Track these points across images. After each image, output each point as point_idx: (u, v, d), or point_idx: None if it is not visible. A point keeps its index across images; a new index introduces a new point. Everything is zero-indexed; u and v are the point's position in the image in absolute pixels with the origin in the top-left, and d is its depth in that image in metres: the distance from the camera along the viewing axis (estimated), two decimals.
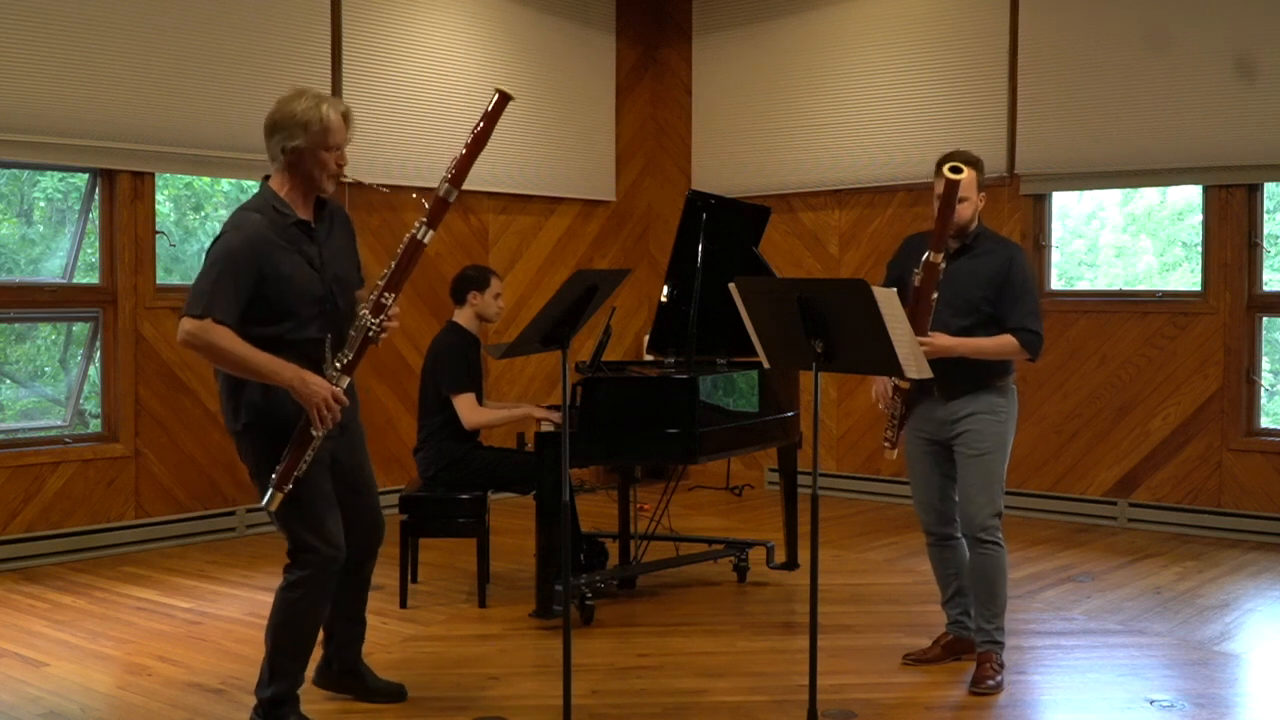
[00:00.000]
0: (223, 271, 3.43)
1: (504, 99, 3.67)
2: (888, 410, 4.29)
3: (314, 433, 3.49)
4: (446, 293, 5.71)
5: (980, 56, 7.46)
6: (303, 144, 3.51)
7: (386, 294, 3.57)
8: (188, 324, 3.40)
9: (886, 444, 4.31)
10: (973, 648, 4.43)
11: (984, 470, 4.19)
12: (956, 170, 4.00)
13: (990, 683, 4.16)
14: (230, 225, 3.53)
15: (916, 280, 4.05)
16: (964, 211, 4.15)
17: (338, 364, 3.56)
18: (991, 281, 4.15)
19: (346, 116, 3.61)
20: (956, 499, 4.34)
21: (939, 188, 4.10)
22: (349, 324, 3.62)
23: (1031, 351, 4.16)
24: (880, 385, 4.30)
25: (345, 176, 3.66)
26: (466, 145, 3.65)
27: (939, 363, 4.10)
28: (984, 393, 4.20)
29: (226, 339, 3.40)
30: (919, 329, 3.99)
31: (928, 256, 4.02)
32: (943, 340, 4.07)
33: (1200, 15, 6.72)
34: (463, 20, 7.80)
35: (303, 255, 3.56)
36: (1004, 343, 4.14)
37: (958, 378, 4.16)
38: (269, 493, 3.50)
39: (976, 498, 4.19)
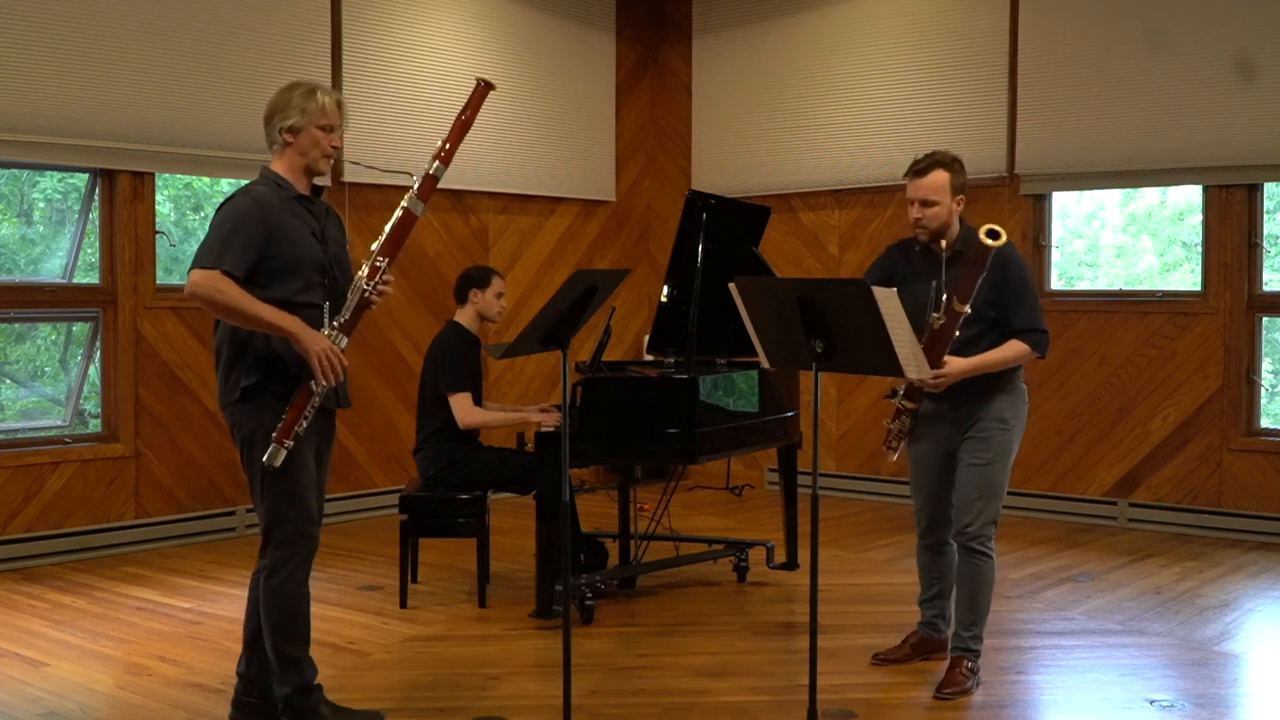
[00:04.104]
0: (233, 229, 3.54)
1: (485, 88, 3.87)
2: (897, 429, 4.23)
3: (314, 387, 3.56)
4: (446, 292, 5.72)
5: (980, 56, 7.46)
6: (299, 122, 3.66)
7: (380, 258, 3.69)
8: (196, 275, 3.50)
9: (889, 449, 4.29)
10: (942, 648, 4.44)
11: (985, 480, 4.13)
12: (993, 235, 3.84)
13: (957, 688, 4.12)
14: (237, 192, 3.68)
15: (936, 324, 3.96)
16: (937, 215, 4.07)
17: (335, 323, 3.64)
18: (991, 285, 4.05)
19: (340, 104, 3.76)
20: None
21: (907, 192, 4.09)
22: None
23: (1041, 351, 4.11)
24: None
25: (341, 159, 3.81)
26: (451, 132, 3.84)
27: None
28: (993, 397, 4.14)
29: (233, 289, 3.48)
30: (935, 363, 3.95)
31: (955, 305, 3.92)
32: (958, 365, 4.00)
33: (1200, 15, 6.72)
34: (463, 20, 7.80)
35: (305, 225, 3.68)
36: (1015, 351, 4.07)
37: (965, 388, 4.09)
38: (271, 449, 3.54)
39: (973, 506, 4.15)
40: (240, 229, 3.54)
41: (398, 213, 3.74)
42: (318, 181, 3.78)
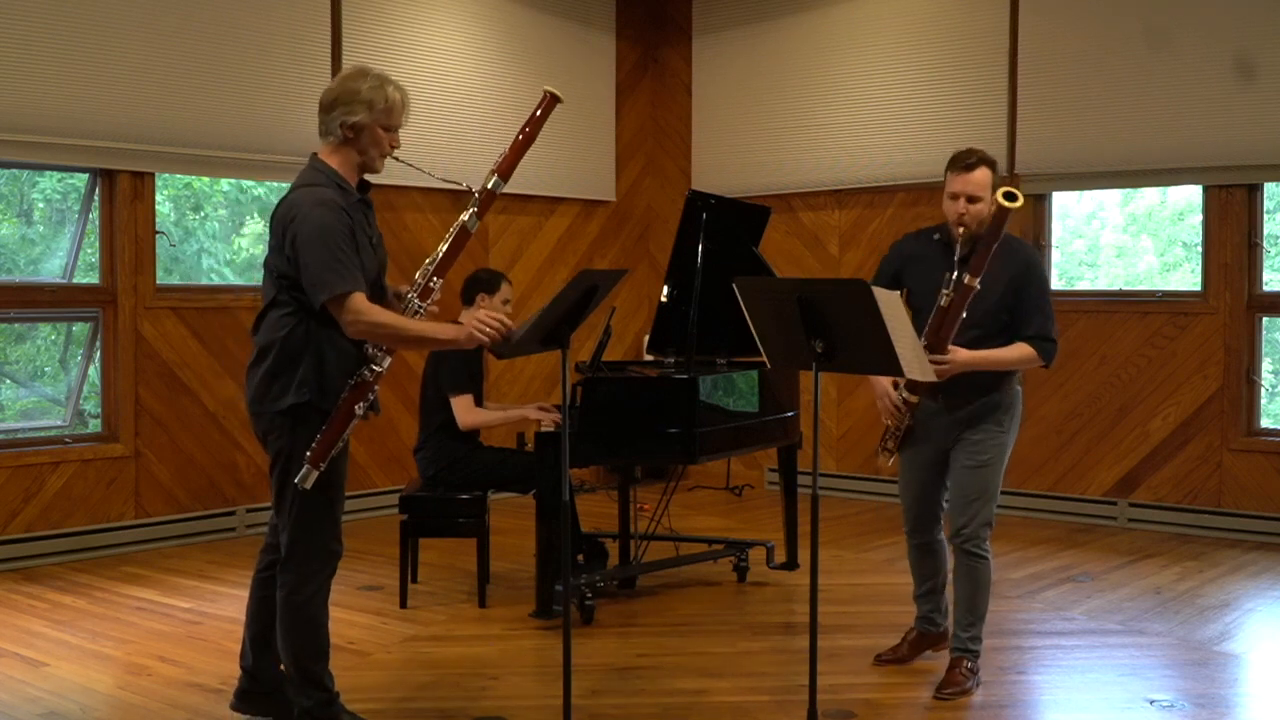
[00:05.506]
0: (339, 245, 3.34)
1: (553, 101, 3.67)
2: (895, 425, 4.21)
3: (357, 410, 3.45)
4: (448, 293, 5.70)
5: (980, 56, 7.46)
6: (364, 120, 3.46)
7: (435, 279, 3.55)
8: (351, 308, 3.30)
9: (885, 451, 4.27)
10: (941, 640, 4.43)
11: (981, 482, 4.12)
12: (1011, 197, 3.82)
13: (956, 688, 4.12)
14: (313, 201, 3.40)
15: (944, 300, 3.92)
16: (980, 212, 4.02)
17: (382, 345, 3.51)
18: (1010, 286, 4.04)
19: (406, 100, 3.57)
20: (945, 504, 4.31)
21: (953, 185, 4.03)
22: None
23: (1048, 361, 4.09)
24: (886, 401, 4.17)
25: (396, 158, 3.61)
26: (513, 144, 3.65)
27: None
28: (990, 400, 4.12)
29: (386, 314, 3.39)
30: (941, 347, 3.93)
31: (966, 280, 3.90)
32: (963, 355, 3.96)
33: (1200, 15, 6.72)
34: (463, 20, 7.80)
35: (364, 233, 3.50)
36: (1022, 353, 4.04)
37: (963, 387, 4.07)
38: (304, 470, 3.43)
39: (969, 508, 4.13)
40: (341, 244, 3.34)
41: (455, 230, 3.57)
42: (367, 177, 3.59)
